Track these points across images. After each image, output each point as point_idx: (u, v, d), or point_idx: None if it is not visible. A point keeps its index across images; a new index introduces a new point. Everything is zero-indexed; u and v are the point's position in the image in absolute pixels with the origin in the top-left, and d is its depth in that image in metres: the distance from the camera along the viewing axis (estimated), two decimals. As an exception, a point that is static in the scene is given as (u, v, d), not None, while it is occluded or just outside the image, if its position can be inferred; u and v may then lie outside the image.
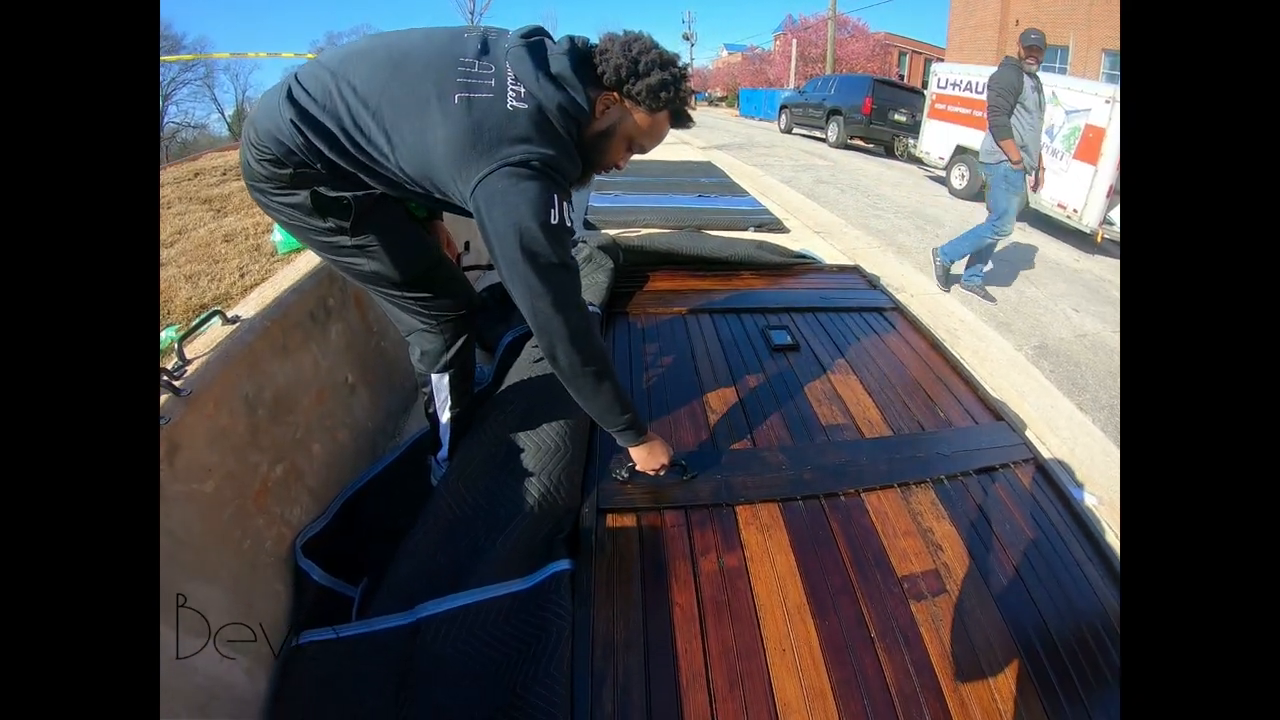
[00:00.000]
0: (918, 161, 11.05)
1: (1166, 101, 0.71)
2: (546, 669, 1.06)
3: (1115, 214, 7.57)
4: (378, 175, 1.18)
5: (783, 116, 17.56)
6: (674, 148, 11.63)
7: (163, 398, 1.08)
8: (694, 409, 1.81)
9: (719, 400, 1.87)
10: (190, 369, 1.17)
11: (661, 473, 1.51)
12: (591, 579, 1.25)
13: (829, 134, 14.41)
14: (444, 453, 1.65)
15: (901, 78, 32.11)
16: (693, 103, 1.28)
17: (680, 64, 1.21)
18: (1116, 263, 7.19)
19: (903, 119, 13.14)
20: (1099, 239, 6.98)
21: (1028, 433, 2.58)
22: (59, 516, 0.58)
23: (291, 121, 1.11)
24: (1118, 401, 3.42)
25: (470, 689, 1.07)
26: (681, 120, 1.26)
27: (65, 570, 0.58)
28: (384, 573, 1.32)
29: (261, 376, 1.38)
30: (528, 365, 1.79)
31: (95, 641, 0.57)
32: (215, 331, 1.32)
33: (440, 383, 1.55)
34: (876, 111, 13.12)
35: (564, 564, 1.23)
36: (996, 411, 2.11)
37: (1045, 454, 2.59)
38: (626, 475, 1.48)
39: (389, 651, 1.15)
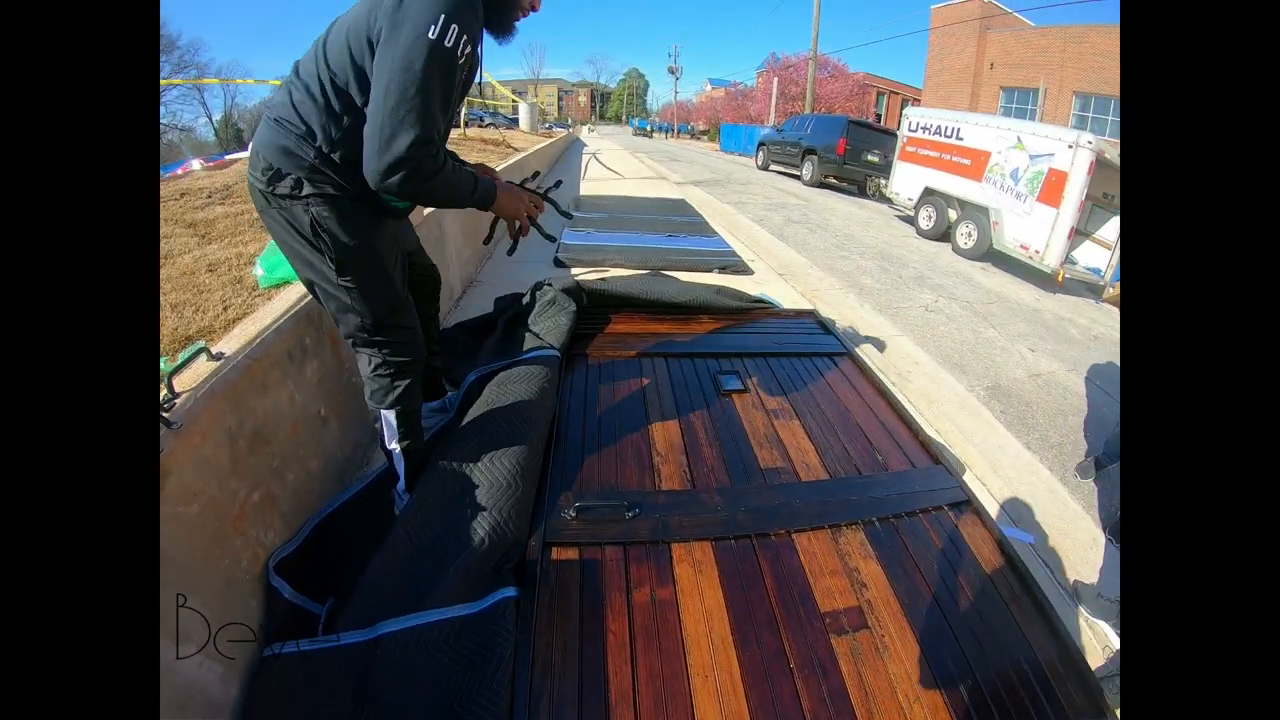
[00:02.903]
0: (888, 201, 11.49)
1: (1166, 103, 0.73)
2: (490, 685, 1.19)
3: (1076, 254, 7.99)
4: (336, 110, 1.33)
5: (760, 153, 18.15)
6: (652, 183, 12.02)
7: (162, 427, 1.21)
8: (640, 450, 1.95)
9: (664, 442, 2.01)
10: (179, 401, 1.28)
11: (530, 215, 1.70)
12: (535, 605, 1.38)
13: (804, 172, 14.93)
14: (401, 484, 1.79)
15: (879, 117, 33.43)
16: None
17: None
18: (1077, 301, 7.56)
19: (875, 159, 13.66)
20: (1060, 279, 7.34)
21: (968, 475, 2.76)
22: (62, 521, 0.62)
23: (272, 116, 1.36)
24: (1066, 440, 3.62)
25: (422, 700, 1.19)
26: None
27: (67, 573, 0.61)
28: (349, 594, 1.44)
29: (243, 410, 1.51)
30: (485, 406, 1.92)
31: (97, 644, 0.61)
32: (201, 366, 1.44)
33: (388, 417, 1.68)
34: (850, 152, 13.65)
35: (510, 591, 1.36)
36: (935, 455, 2.27)
37: (986, 495, 2.77)
38: (573, 514, 1.62)
39: (350, 665, 1.27)
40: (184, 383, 1.36)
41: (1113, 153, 7.16)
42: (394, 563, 1.45)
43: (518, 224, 1.72)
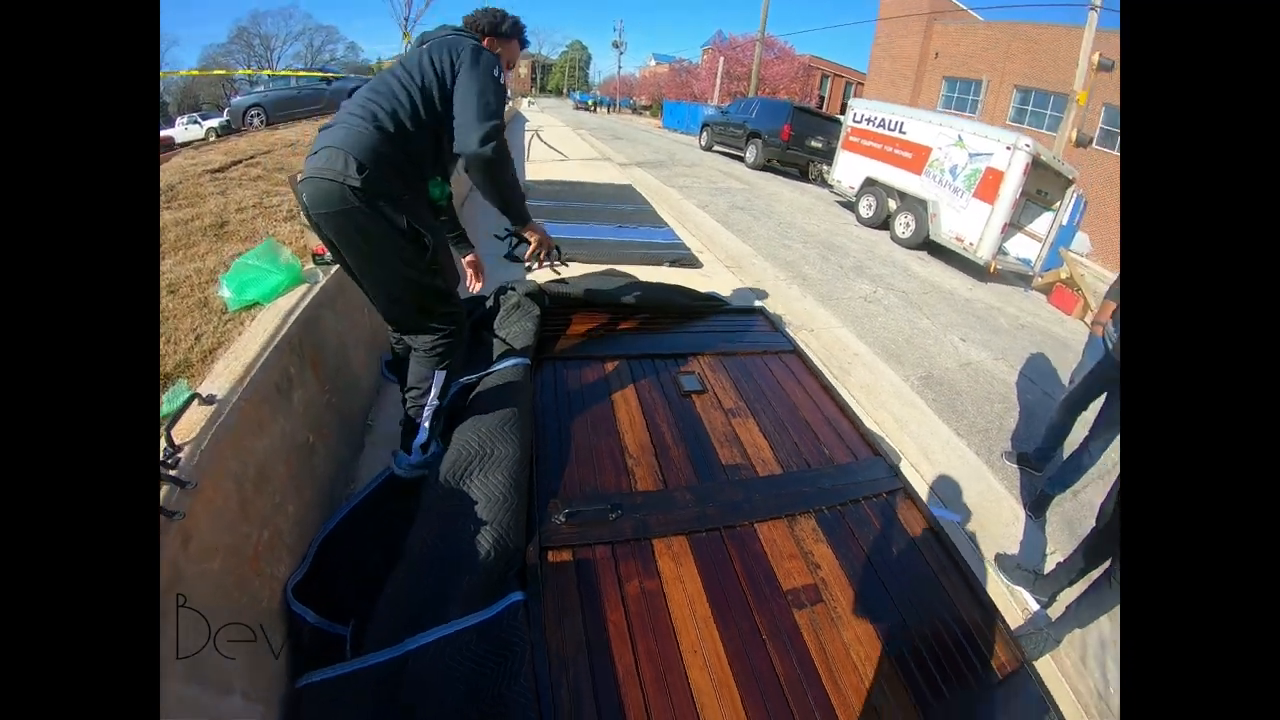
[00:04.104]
0: (829, 187, 11.97)
1: (1166, 106, 0.75)
2: (516, 682, 1.38)
3: (1009, 245, 8.63)
4: (423, 126, 1.80)
5: (704, 134, 18.42)
6: (597, 165, 12.09)
7: (166, 490, 1.21)
8: (614, 454, 2.18)
9: (636, 444, 2.24)
10: (183, 455, 1.30)
11: (545, 253, 2.31)
12: (541, 605, 1.59)
13: (748, 155, 15.29)
14: (421, 439, 2.14)
15: (822, 99, 34.11)
16: (522, 28, 2.19)
17: (511, 15, 2.14)
18: (1007, 289, 8.20)
19: (818, 145, 14.15)
20: (992, 269, 7.95)
21: (903, 462, 3.11)
22: (64, 524, 0.64)
23: (377, 129, 1.72)
24: (991, 425, 4.05)
25: (458, 704, 1.36)
26: (524, 43, 2.25)
27: (67, 574, 0.63)
28: (370, 613, 1.59)
29: (245, 455, 1.57)
30: (472, 420, 2.08)
31: (97, 644, 0.63)
32: (195, 412, 1.45)
33: (439, 377, 2.07)
34: (794, 137, 14.07)
35: (517, 595, 1.55)
36: (874, 447, 2.59)
37: (919, 479, 3.13)
38: (564, 519, 1.83)
39: (383, 682, 1.41)
40: (183, 433, 1.37)
41: (1048, 155, 7.77)
42: (410, 581, 1.60)
43: (534, 248, 2.29)
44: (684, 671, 1.53)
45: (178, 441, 1.34)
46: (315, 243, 2.42)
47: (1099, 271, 8.60)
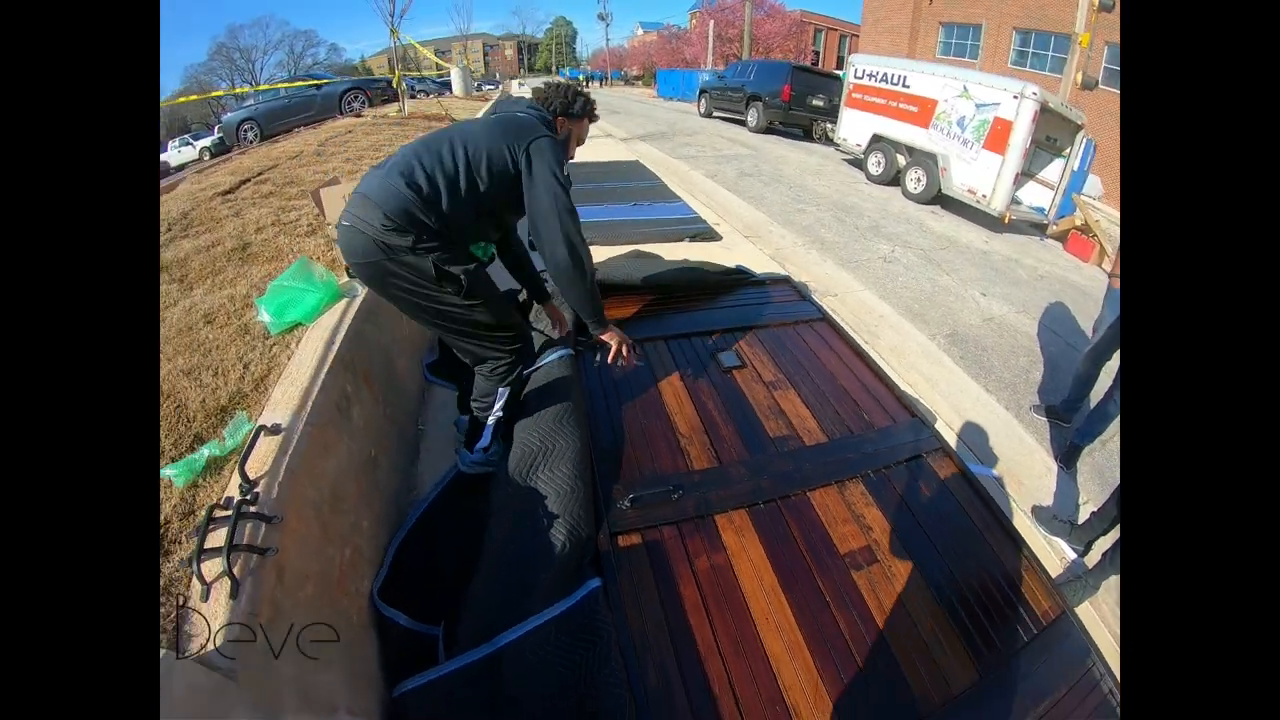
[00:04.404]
0: (834, 145, 11.88)
1: (1166, 103, 0.75)
2: (606, 664, 1.48)
3: (1021, 194, 8.57)
4: (463, 194, 1.83)
5: (703, 100, 18.22)
6: (600, 142, 12.04)
7: (254, 527, 1.27)
8: (667, 436, 2.27)
9: (685, 424, 2.34)
10: (261, 489, 1.35)
11: (627, 350, 2.34)
12: (618, 589, 1.69)
13: (749, 119, 15.15)
14: (484, 442, 2.27)
15: (817, 55, 33.46)
16: (593, 106, 2.25)
17: (578, 85, 2.21)
18: (1022, 239, 8.17)
19: (820, 104, 13.99)
20: (1006, 220, 7.92)
21: (938, 423, 3.19)
22: (64, 522, 0.65)
23: (409, 186, 1.75)
24: (1018, 379, 4.12)
25: (556, 691, 1.45)
26: (593, 118, 2.27)
27: (68, 574, 0.64)
28: (459, 613, 1.69)
29: (319, 479, 1.63)
30: (528, 416, 2.19)
31: (97, 644, 0.63)
32: (263, 444, 1.50)
33: (503, 392, 2.19)
34: (795, 98, 13.91)
35: (595, 582, 1.65)
36: (911, 409, 2.67)
37: (953, 437, 3.23)
38: (629, 504, 1.93)
39: (480, 680, 1.49)
40: (256, 467, 1.40)
41: (1056, 101, 7.67)
42: (493, 579, 1.70)
43: (615, 350, 2.35)
44: (759, 639, 1.64)
45: (253, 476, 1.37)
46: None
47: (1113, 214, 8.53)
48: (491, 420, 2.22)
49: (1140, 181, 0.77)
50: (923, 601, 1.84)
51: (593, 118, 2.27)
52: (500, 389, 2.17)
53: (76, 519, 0.67)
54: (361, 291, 2.37)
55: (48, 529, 0.65)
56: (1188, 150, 0.74)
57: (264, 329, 2.12)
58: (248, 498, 1.31)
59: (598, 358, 2.26)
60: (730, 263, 4.40)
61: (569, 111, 2.16)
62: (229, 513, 1.25)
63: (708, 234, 5.73)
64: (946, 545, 2.06)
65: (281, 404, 1.69)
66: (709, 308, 3.36)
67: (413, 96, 14.59)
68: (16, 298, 0.67)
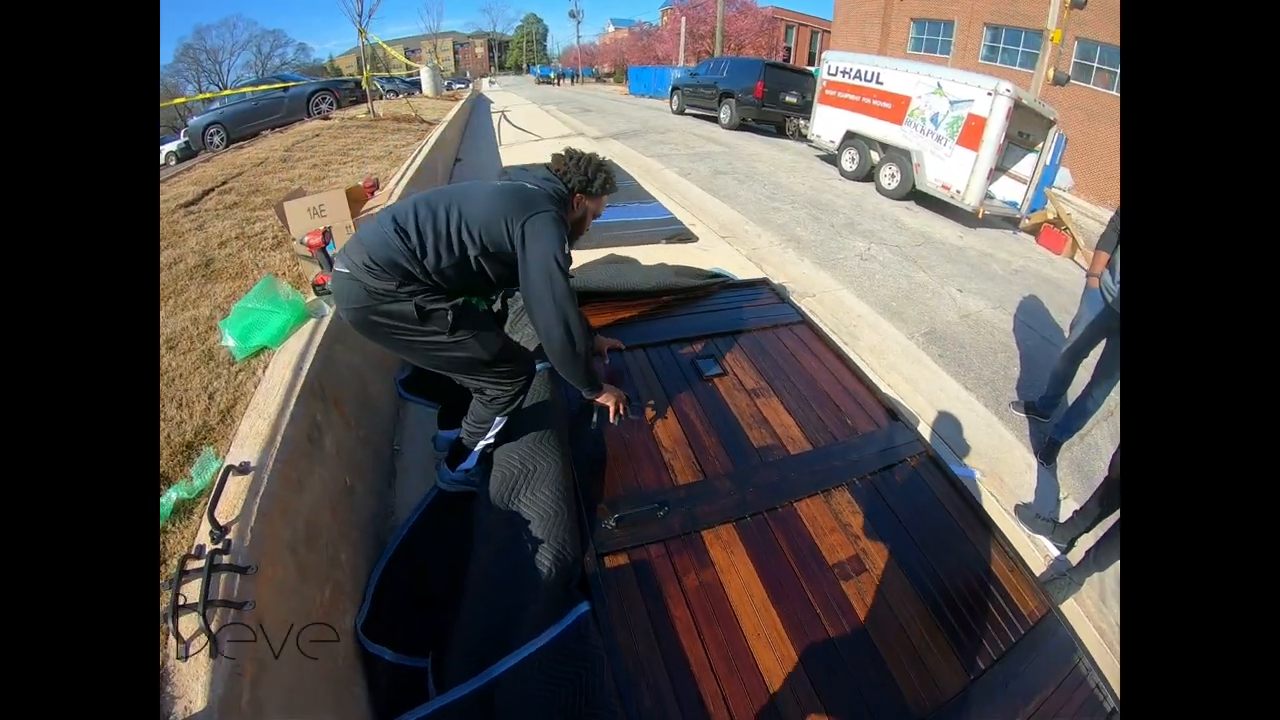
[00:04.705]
0: (808, 141, 11.94)
1: (1166, 102, 0.75)
2: (598, 687, 1.46)
3: (994, 188, 8.69)
4: (453, 253, 1.77)
5: (675, 98, 18.17)
6: (571, 142, 11.90)
7: (228, 579, 1.21)
8: (649, 449, 2.25)
9: (668, 437, 2.32)
10: (233, 537, 1.29)
11: (623, 408, 2.27)
12: (608, 611, 1.66)
13: (722, 116, 15.14)
14: (468, 464, 2.22)
15: (788, 51, 33.67)
16: (612, 184, 2.11)
17: (600, 158, 2.08)
18: (996, 233, 8.30)
19: (793, 100, 14.02)
20: (980, 215, 8.04)
21: (920, 425, 3.21)
22: (64, 522, 0.65)
23: (397, 232, 1.73)
24: (997, 376, 4.17)
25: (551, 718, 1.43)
26: (611, 191, 2.11)
27: (68, 574, 0.64)
28: (447, 644, 1.65)
29: (293, 517, 1.57)
30: (507, 439, 2.15)
31: (97, 644, 0.64)
32: (233, 485, 1.42)
33: (499, 423, 2.12)
34: (768, 94, 13.91)
35: (584, 606, 1.63)
36: (894, 412, 2.68)
37: (935, 437, 3.24)
38: (614, 524, 1.90)
39: (472, 714, 1.46)
40: (226, 512, 1.33)
41: (1029, 98, 7.79)
42: (482, 609, 1.67)
43: (613, 410, 2.27)
44: (751, 655, 1.64)
45: (223, 522, 1.30)
46: (313, 272, 2.42)
47: (1083, 206, 8.69)
48: (480, 445, 2.17)
49: (1140, 181, 0.78)
50: (911, 607, 1.85)
51: (610, 191, 2.12)
52: (498, 418, 2.12)
53: (76, 518, 0.68)
54: (330, 310, 2.31)
55: (48, 529, 0.66)
56: (1188, 149, 0.75)
57: (229, 354, 2.05)
58: (219, 546, 1.25)
59: (595, 418, 2.13)
60: (708, 265, 4.40)
61: (588, 189, 2.04)
62: (201, 563, 1.20)
63: (684, 235, 5.72)
64: (932, 549, 2.07)
65: (249, 439, 1.62)
66: (687, 313, 3.35)
67: (382, 97, 14.41)
68: (17, 298, 0.68)
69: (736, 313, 3.39)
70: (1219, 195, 0.72)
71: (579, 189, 2.03)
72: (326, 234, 2.40)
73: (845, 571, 1.90)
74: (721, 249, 5.62)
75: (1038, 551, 2.73)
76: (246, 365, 2.03)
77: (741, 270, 4.88)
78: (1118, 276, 2.96)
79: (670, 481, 2.12)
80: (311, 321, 2.21)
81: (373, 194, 3.48)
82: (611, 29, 57.64)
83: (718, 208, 7.18)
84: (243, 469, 1.49)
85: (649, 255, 4.62)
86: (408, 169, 5.45)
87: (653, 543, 1.88)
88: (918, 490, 2.32)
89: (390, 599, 1.92)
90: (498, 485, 1.97)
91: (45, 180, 0.72)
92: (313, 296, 2.37)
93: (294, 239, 2.46)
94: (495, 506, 1.89)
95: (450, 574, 1.90)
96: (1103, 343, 3.16)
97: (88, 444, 0.71)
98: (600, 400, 2.24)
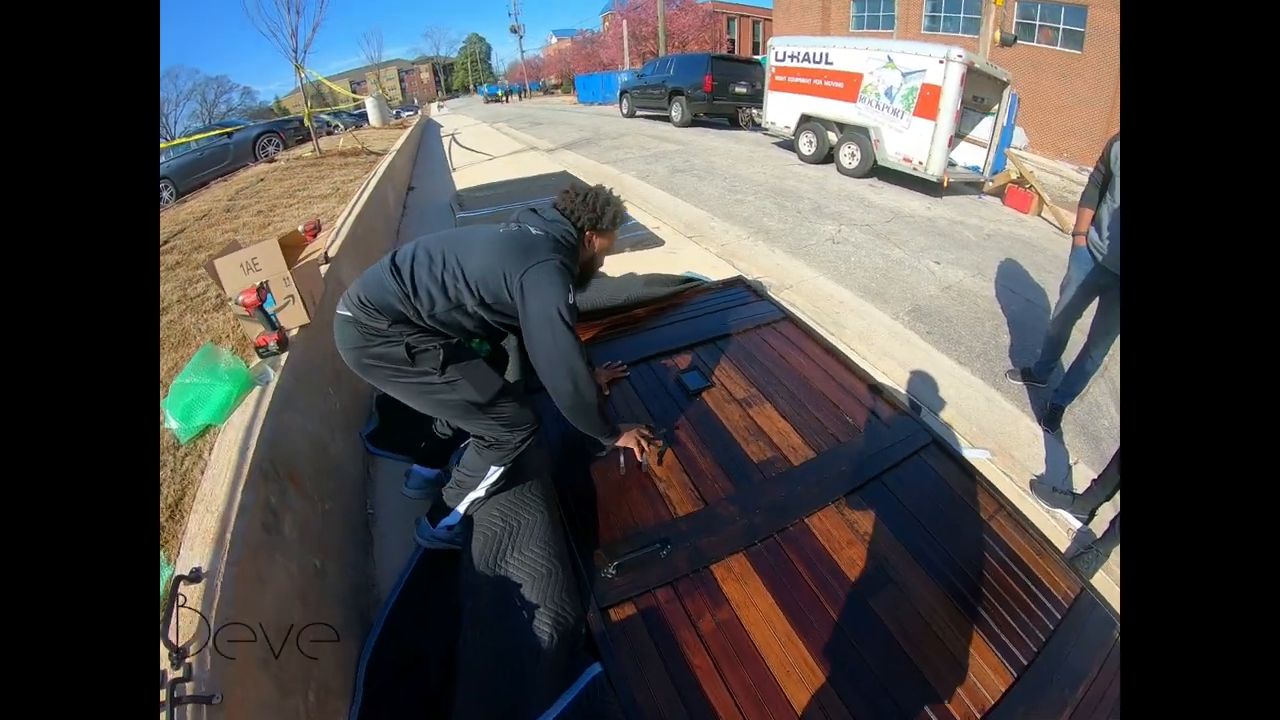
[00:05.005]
0: (762, 129, 11.92)
1: (1166, 101, 0.75)
2: None
3: (955, 155, 8.68)
4: (449, 301, 1.72)
5: (624, 101, 18.10)
6: (525, 157, 11.80)
7: (194, 711, 1.08)
8: (641, 482, 2.09)
9: (662, 466, 2.16)
10: (193, 660, 1.15)
11: (646, 447, 2.13)
12: (620, 669, 1.51)
13: (673, 114, 15.09)
14: (451, 520, 2.03)
15: (732, 43, 33.95)
16: (622, 216, 2.01)
17: (606, 191, 1.96)
18: (962, 200, 8.28)
19: (743, 90, 14.04)
20: (945, 183, 8.01)
21: (922, 412, 3.09)
22: (64, 522, 0.66)
23: (393, 274, 1.71)
24: (989, 346, 4.08)
25: None
26: (622, 224, 2.01)
27: (68, 574, 0.65)
28: None
29: (258, 617, 1.40)
30: (488, 506, 1.96)
31: (97, 644, 0.64)
32: (187, 595, 1.26)
33: (494, 473, 1.94)
34: (718, 87, 13.91)
35: (595, 669, 1.48)
36: (894, 403, 2.55)
37: (935, 420, 3.12)
38: (614, 572, 1.74)
39: None
40: (184, 630, 1.19)
41: (981, 62, 7.79)
42: (484, 692, 1.51)
43: (638, 451, 2.14)
44: (782, 693, 1.50)
45: (180, 642, 1.16)
46: (255, 332, 2.22)
47: (1042, 163, 8.70)
48: (469, 499, 1.98)
49: (1140, 179, 0.77)
50: (944, 612, 1.73)
51: (621, 223, 2.02)
52: (492, 468, 1.95)
53: (75, 519, 0.68)
54: (274, 376, 2.10)
55: (48, 529, 0.66)
56: (1187, 148, 0.74)
57: (173, 437, 1.85)
58: (180, 674, 1.10)
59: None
60: (678, 269, 4.26)
61: (598, 226, 1.93)
62: (162, 694, 1.03)
63: (649, 240, 5.59)
64: (956, 544, 1.96)
65: (199, 539, 1.43)
66: (663, 325, 3.19)
67: (330, 132, 14.19)
68: (18, 297, 0.69)
69: (715, 317, 3.24)
70: (1219, 191, 0.72)
71: (589, 226, 1.92)
72: (263, 289, 2.19)
73: (869, 586, 1.77)
74: (690, 250, 5.49)
75: (1059, 527, 2.62)
76: (192, 447, 1.83)
77: (713, 270, 4.74)
78: (1104, 234, 2.88)
79: (669, 514, 1.96)
80: (256, 389, 2.01)
81: (314, 237, 3.27)
82: (554, 41, 57.57)
83: (680, 207, 7.06)
84: (194, 577, 1.30)
85: (615, 266, 4.47)
86: (355, 204, 5.25)
87: (659, 586, 1.73)
88: (931, 483, 2.19)
89: (383, 688, 1.74)
90: (481, 550, 1.80)
91: (45, 180, 0.73)
92: (256, 360, 2.17)
93: (229, 299, 2.26)
94: (482, 575, 1.73)
95: (447, 643, 1.72)
96: (1095, 302, 3.07)
97: (88, 444, 0.72)
98: (621, 444, 2.12)
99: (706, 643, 1.59)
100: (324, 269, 3.10)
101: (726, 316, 3.24)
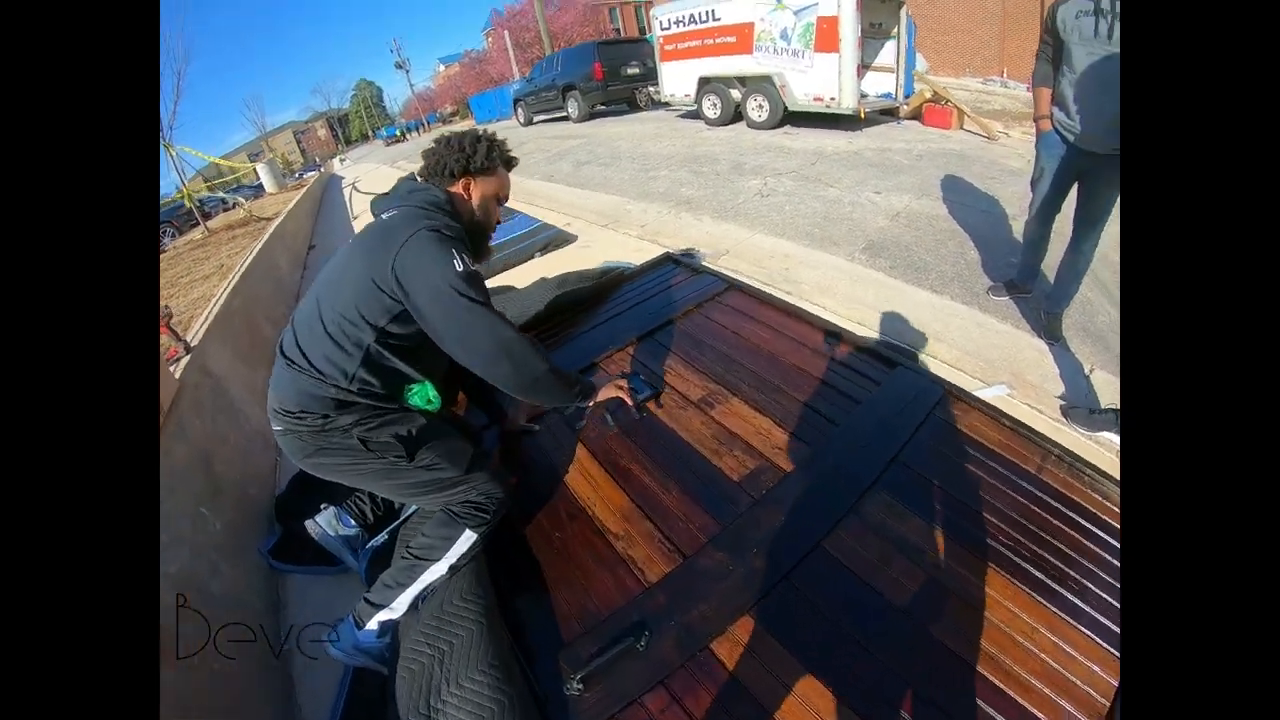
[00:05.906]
0: (665, 106, 11.63)
1: (1166, 101, 0.72)
2: None
3: (864, 86, 8.40)
4: (350, 355, 1.44)
5: (519, 110, 17.49)
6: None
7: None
8: (594, 546, 1.57)
9: (614, 517, 1.63)
10: None
11: (627, 393, 1.94)
12: None
13: (570, 111, 14.65)
14: (385, 615, 1.58)
15: (617, 31, 33.99)
16: (503, 150, 1.71)
17: (475, 132, 1.67)
18: (882, 128, 8.02)
19: (636, 71, 13.73)
20: (862, 115, 7.73)
21: (920, 361, 2.64)
22: (64, 522, 0.64)
23: (289, 366, 1.48)
24: (960, 267, 3.68)
25: None
26: (510, 163, 1.73)
27: (68, 574, 0.63)
28: None
29: None
30: (410, 621, 1.49)
31: (97, 644, 0.62)
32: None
33: (467, 537, 1.57)
34: (609, 73, 13.56)
35: None
36: (884, 356, 2.09)
37: (934, 363, 2.66)
38: (579, 687, 1.22)
39: None
40: None
41: None
42: None
43: (626, 396, 1.97)
44: None
45: None
46: None
47: (947, 81, 8.54)
48: (425, 581, 1.55)
49: (1140, 178, 0.75)
50: (1021, 608, 1.31)
51: (510, 164, 1.73)
52: (468, 532, 1.58)
53: (76, 518, 0.66)
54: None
55: (47, 529, 0.64)
56: (1187, 146, 0.71)
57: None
58: None
59: (611, 420, 1.71)
60: (596, 263, 3.74)
61: (470, 167, 1.63)
62: None
63: (559, 239, 5.08)
64: (1010, 516, 1.52)
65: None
66: (587, 329, 2.66)
67: (229, 208, 13.96)
68: (19, 298, 0.67)
69: (647, 305, 2.73)
70: (1220, 187, 0.69)
71: (459, 172, 1.63)
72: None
73: (923, 609, 1.31)
74: (606, 238, 4.99)
75: (1108, 453, 2.19)
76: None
77: (638, 255, 4.21)
78: (1072, 108, 2.48)
79: (639, 584, 1.44)
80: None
81: (167, 330, 2.66)
82: (442, 69, 56.72)
83: (591, 198, 6.59)
84: None
85: (523, 275, 3.94)
86: (231, 280, 4.62)
87: (647, 691, 1.22)
88: (958, 445, 1.74)
89: None
90: (407, 694, 1.29)
91: (44, 181, 0.70)
92: None
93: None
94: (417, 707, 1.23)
95: None
96: (1074, 190, 2.69)
97: (87, 445, 0.69)
98: (603, 397, 1.91)
99: None
100: (182, 364, 2.51)
101: (660, 301, 2.73)
